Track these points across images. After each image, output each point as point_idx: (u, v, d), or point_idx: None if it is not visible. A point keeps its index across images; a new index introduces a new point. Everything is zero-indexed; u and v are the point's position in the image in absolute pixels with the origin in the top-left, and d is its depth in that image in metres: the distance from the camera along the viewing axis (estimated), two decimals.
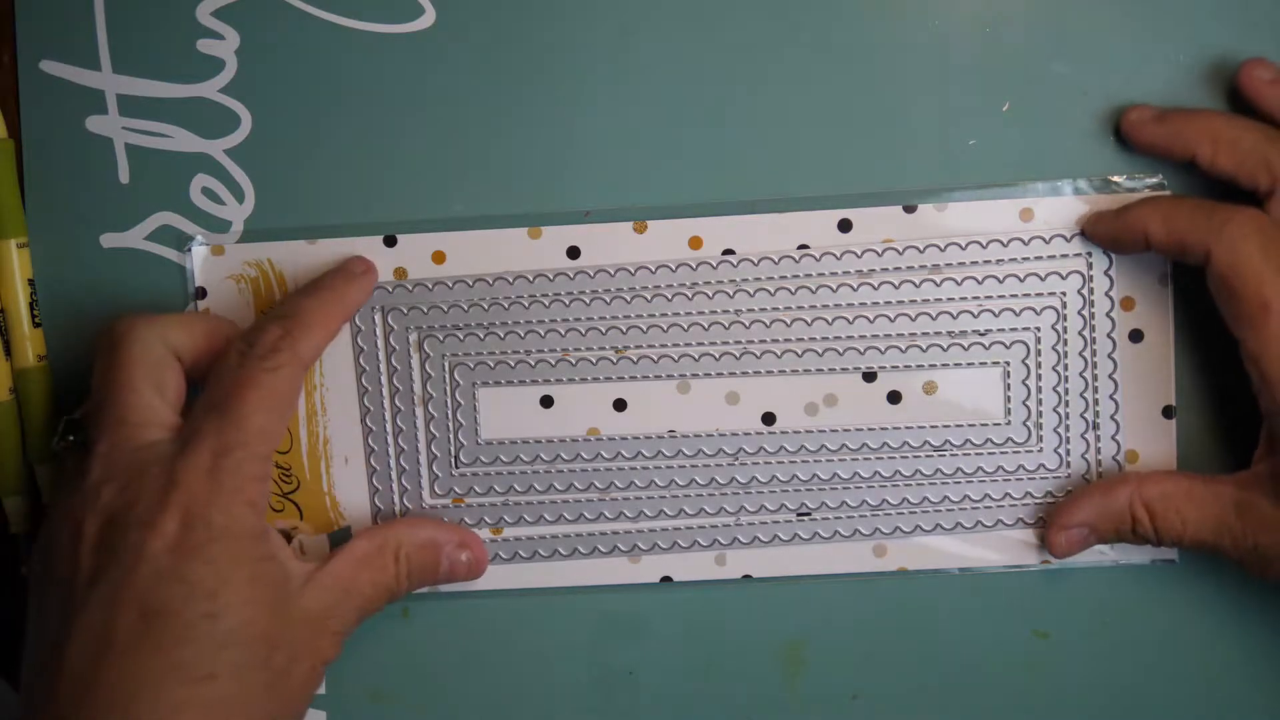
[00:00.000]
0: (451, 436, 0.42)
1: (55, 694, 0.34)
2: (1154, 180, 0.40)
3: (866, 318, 0.41)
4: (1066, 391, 0.41)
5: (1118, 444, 0.41)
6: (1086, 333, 0.40)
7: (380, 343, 0.42)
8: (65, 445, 0.38)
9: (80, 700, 0.33)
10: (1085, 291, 0.40)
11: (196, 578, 0.34)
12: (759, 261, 0.41)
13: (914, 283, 0.41)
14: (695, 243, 0.41)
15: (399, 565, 0.39)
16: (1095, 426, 0.41)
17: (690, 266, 0.41)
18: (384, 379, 0.42)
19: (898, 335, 0.41)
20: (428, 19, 0.42)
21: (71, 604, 0.34)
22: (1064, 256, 0.40)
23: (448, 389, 0.42)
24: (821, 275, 0.41)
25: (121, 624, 0.34)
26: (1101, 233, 0.39)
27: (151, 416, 0.37)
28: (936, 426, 0.41)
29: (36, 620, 0.36)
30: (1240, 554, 0.37)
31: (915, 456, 0.41)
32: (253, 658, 0.34)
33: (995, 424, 0.41)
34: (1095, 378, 0.40)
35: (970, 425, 0.41)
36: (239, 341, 0.37)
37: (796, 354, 0.41)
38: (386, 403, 0.42)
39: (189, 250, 0.42)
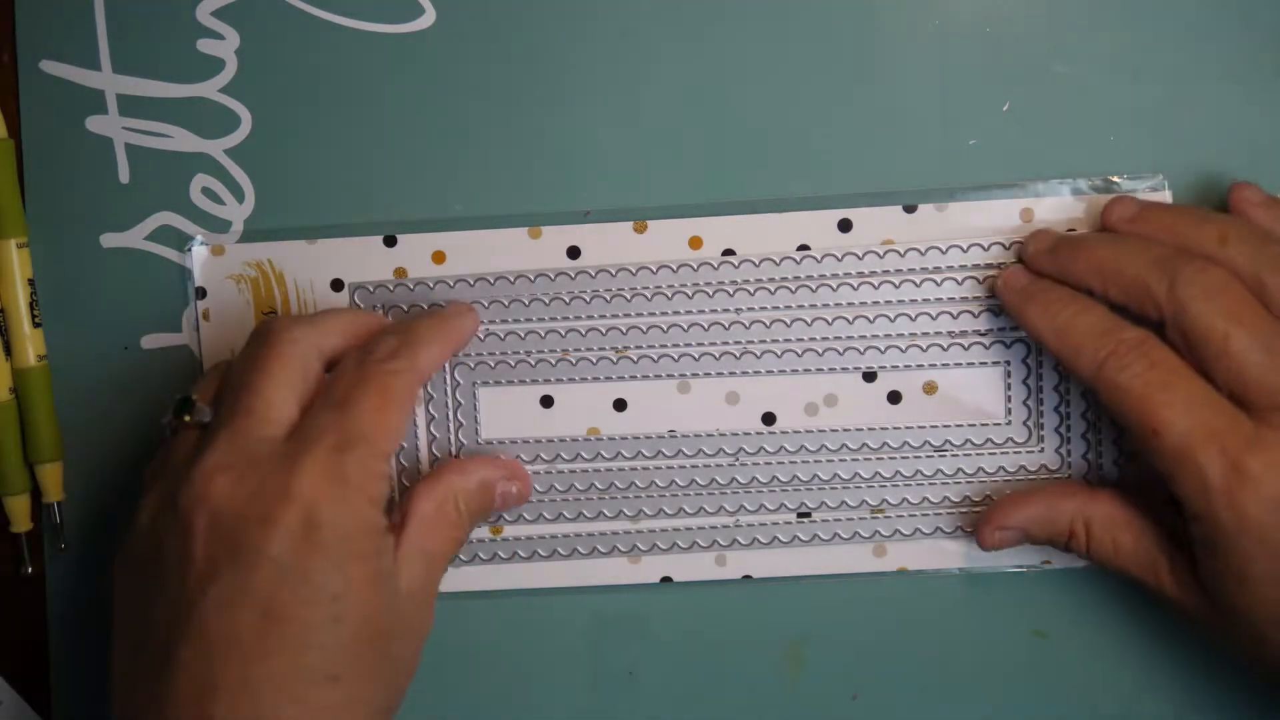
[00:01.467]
0: (451, 436, 0.42)
1: (171, 696, 0.32)
2: (1154, 180, 0.40)
3: (866, 318, 0.41)
4: (1067, 391, 0.40)
5: (1118, 445, 0.40)
6: None
7: None
8: (179, 424, 0.36)
9: (201, 703, 0.32)
10: None
11: (320, 580, 0.33)
12: (759, 261, 0.41)
13: (914, 282, 0.41)
14: (695, 243, 0.41)
15: (461, 514, 0.38)
16: (1096, 427, 0.41)
17: (690, 266, 0.41)
18: None
19: (898, 335, 0.41)
20: (428, 19, 0.42)
21: (183, 602, 0.33)
22: None
23: (448, 389, 0.42)
24: (821, 275, 0.41)
25: (243, 626, 0.32)
26: (1045, 266, 0.38)
27: (283, 414, 0.35)
28: (936, 426, 0.41)
29: (129, 614, 0.35)
30: (1159, 598, 0.37)
31: (915, 456, 0.41)
32: (375, 654, 0.34)
33: (995, 424, 0.41)
34: None
35: (970, 425, 0.41)
36: (356, 350, 0.37)
37: (796, 354, 0.41)
38: None
39: (189, 250, 0.42)
